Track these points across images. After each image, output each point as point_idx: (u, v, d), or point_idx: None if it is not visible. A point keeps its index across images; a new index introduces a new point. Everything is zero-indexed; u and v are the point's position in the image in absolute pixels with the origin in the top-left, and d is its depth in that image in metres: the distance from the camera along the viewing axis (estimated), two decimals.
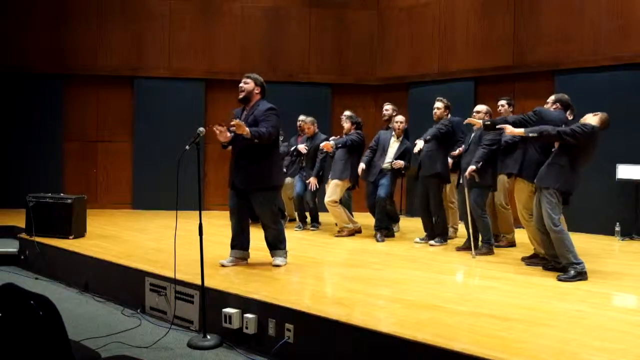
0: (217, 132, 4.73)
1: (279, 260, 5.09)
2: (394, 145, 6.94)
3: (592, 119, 4.78)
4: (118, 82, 9.86)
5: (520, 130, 4.83)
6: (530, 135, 4.74)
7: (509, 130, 4.91)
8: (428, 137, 6.30)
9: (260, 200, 4.95)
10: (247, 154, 4.85)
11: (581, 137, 4.64)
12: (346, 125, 7.20)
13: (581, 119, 4.88)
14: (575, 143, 4.66)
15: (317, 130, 7.80)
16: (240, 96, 4.96)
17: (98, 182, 9.91)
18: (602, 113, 4.82)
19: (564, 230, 4.75)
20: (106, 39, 9.79)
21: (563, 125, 4.91)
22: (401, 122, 6.96)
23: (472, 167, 5.67)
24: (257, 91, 4.98)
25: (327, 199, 7.04)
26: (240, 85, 4.97)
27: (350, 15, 10.16)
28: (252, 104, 4.97)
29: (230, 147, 5.00)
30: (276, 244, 5.14)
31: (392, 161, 6.85)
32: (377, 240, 6.71)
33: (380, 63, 10.15)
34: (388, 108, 7.41)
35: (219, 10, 9.94)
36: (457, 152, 6.31)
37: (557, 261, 4.93)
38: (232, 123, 4.68)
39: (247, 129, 4.63)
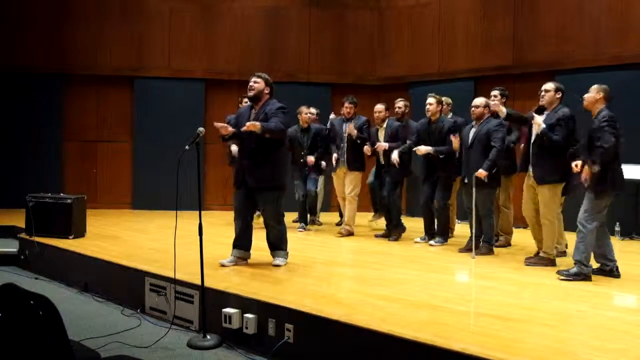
0: (219, 126, 4.83)
1: (279, 261, 5.09)
2: (380, 136, 6.88)
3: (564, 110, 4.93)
4: (118, 82, 9.86)
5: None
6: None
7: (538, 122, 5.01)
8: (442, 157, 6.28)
9: (268, 199, 5.00)
10: (257, 153, 4.89)
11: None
12: (352, 111, 7.05)
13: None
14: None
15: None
16: (251, 94, 4.98)
17: (98, 182, 9.92)
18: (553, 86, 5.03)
19: (592, 232, 4.69)
20: (106, 39, 9.79)
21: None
22: (380, 112, 6.88)
23: (484, 172, 5.65)
24: (266, 91, 5.01)
25: (349, 192, 6.97)
26: (251, 84, 4.99)
27: (350, 15, 10.16)
28: (261, 103, 5.00)
29: (230, 141, 5.04)
30: (278, 244, 5.15)
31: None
32: (390, 240, 6.71)
33: (380, 63, 10.16)
34: (401, 105, 7.32)
35: (219, 10, 9.94)
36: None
37: (605, 264, 4.87)
38: (242, 129, 4.78)
39: (258, 124, 4.70)
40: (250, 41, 9.94)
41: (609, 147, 4.61)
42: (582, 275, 4.67)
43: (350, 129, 6.90)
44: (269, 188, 4.96)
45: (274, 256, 5.16)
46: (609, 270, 4.86)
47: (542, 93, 5.38)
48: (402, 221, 7.16)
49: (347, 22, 10.16)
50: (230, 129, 4.93)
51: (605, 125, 4.64)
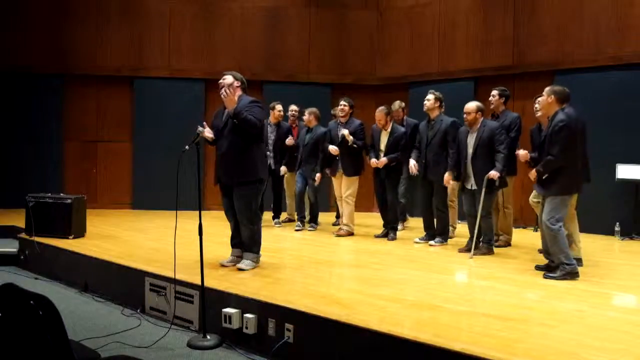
0: (224, 96, 4.75)
1: (244, 264, 4.91)
2: (383, 139, 6.84)
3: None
4: (118, 82, 9.86)
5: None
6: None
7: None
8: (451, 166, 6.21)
9: (241, 194, 4.86)
10: (231, 148, 4.83)
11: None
12: (345, 109, 7.04)
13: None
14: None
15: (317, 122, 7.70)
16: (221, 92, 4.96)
17: (98, 182, 9.92)
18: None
19: (560, 230, 4.72)
20: (106, 39, 9.79)
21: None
22: (380, 120, 6.84)
23: (496, 174, 5.64)
24: (237, 84, 4.96)
25: (345, 194, 7.00)
26: (220, 82, 4.95)
27: (350, 15, 10.16)
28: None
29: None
30: (249, 244, 4.97)
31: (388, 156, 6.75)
32: (388, 239, 6.73)
33: (380, 63, 10.15)
34: (400, 112, 7.46)
35: (218, 10, 9.94)
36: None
37: (552, 260, 4.93)
38: (221, 92, 4.72)
39: (235, 100, 4.71)
40: (250, 41, 9.94)
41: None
42: (567, 274, 4.67)
43: (346, 134, 6.86)
44: (241, 183, 4.84)
45: (243, 257, 5.00)
46: (555, 266, 4.88)
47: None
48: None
49: (347, 22, 10.16)
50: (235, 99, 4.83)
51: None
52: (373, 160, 6.80)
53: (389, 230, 6.86)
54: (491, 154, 5.77)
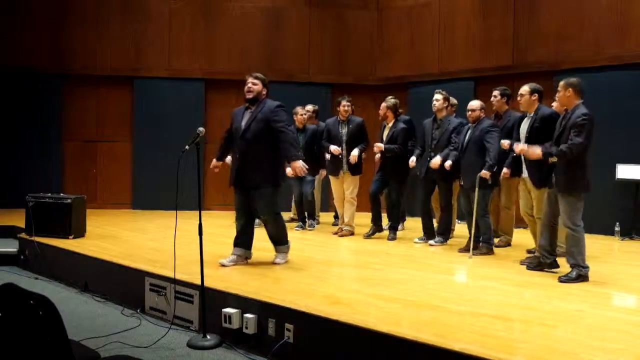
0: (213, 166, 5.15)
1: (280, 258, 5.18)
2: (385, 133, 6.85)
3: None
4: (118, 82, 9.86)
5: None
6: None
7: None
8: (449, 161, 6.16)
9: (263, 196, 4.94)
10: (252, 153, 4.90)
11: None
12: (349, 110, 7.05)
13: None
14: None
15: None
16: (249, 96, 4.98)
17: (98, 182, 9.92)
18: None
19: (582, 231, 4.71)
20: (106, 39, 9.79)
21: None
22: (382, 111, 6.87)
23: (487, 172, 5.61)
24: (264, 92, 5.06)
25: (352, 194, 7.00)
26: (249, 85, 4.99)
27: (350, 15, 10.16)
28: (258, 102, 5.02)
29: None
30: (279, 238, 5.19)
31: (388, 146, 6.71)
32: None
33: (380, 63, 10.15)
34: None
35: (218, 10, 9.94)
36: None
37: (546, 256, 4.95)
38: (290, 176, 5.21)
39: (302, 167, 4.88)
40: (250, 41, 9.94)
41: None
42: (582, 277, 4.67)
43: (378, 147, 6.82)
44: (266, 186, 4.95)
45: (277, 251, 5.23)
46: (549, 263, 4.96)
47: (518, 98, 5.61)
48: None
49: (347, 22, 10.16)
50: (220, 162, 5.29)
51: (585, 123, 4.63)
52: (375, 145, 6.79)
53: (389, 230, 6.86)
54: (481, 150, 5.76)
